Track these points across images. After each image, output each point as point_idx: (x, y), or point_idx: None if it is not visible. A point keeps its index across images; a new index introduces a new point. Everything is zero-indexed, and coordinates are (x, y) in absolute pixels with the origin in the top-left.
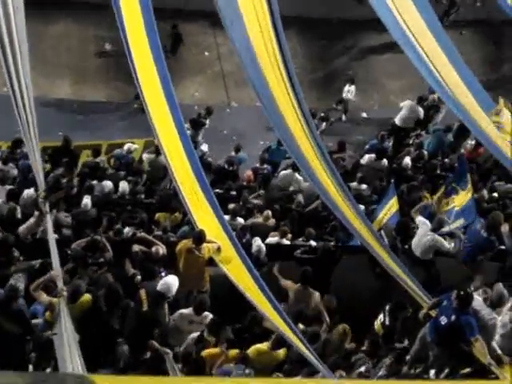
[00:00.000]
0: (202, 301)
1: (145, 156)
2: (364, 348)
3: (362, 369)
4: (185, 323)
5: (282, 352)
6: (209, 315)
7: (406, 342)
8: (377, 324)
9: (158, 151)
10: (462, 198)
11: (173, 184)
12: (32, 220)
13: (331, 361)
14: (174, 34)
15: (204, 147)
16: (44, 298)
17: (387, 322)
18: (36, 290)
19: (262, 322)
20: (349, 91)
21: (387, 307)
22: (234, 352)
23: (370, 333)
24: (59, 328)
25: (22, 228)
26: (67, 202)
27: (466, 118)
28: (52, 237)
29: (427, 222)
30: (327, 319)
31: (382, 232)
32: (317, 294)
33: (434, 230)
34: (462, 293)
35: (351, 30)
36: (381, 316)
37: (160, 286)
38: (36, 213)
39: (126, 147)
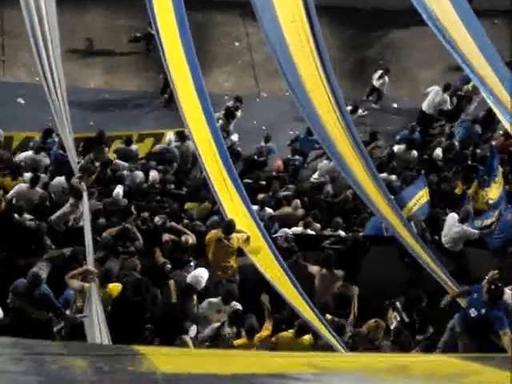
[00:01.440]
0: (231, 290)
1: (172, 145)
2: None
3: None
4: (213, 312)
5: (307, 338)
6: (237, 305)
7: (431, 330)
8: (393, 323)
9: (182, 138)
10: (494, 192)
11: (203, 174)
12: (65, 208)
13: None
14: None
15: (234, 137)
16: (76, 283)
17: (405, 318)
18: (70, 278)
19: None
20: (380, 80)
21: (398, 304)
22: (262, 338)
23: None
24: (90, 312)
25: (54, 216)
26: (99, 192)
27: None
28: (88, 222)
29: (454, 214)
30: (355, 309)
31: (412, 223)
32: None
33: (462, 220)
34: (492, 286)
35: (383, 19)
36: (394, 314)
37: (190, 278)
38: (71, 200)
39: (166, 139)
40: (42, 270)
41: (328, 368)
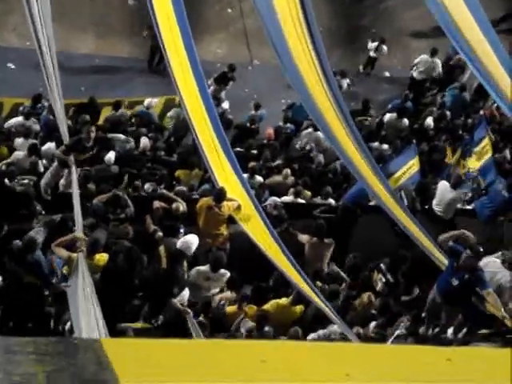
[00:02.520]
0: (219, 258)
1: (171, 112)
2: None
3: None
4: (201, 279)
5: (298, 308)
6: (226, 273)
7: (417, 291)
8: (378, 285)
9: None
10: (474, 162)
11: (194, 141)
12: (49, 173)
13: (349, 317)
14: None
15: (225, 104)
16: (63, 252)
17: (390, 279)
18: (58, 245)
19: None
20: (378, 51)
21: (382, 265)
22: (253, 309)
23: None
24: (75, 281)
25: (42, 182)
26: (90, 158)
27: (487, 81)
28: (76, 191)
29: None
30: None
31: (402, 193)
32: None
33: (454, 186)
34: (473, 251)
35: None
36: (380, 276)
37: (180, 243)
38: (54, 164)
39: (145, 103)
40: (38, 234)
41: None
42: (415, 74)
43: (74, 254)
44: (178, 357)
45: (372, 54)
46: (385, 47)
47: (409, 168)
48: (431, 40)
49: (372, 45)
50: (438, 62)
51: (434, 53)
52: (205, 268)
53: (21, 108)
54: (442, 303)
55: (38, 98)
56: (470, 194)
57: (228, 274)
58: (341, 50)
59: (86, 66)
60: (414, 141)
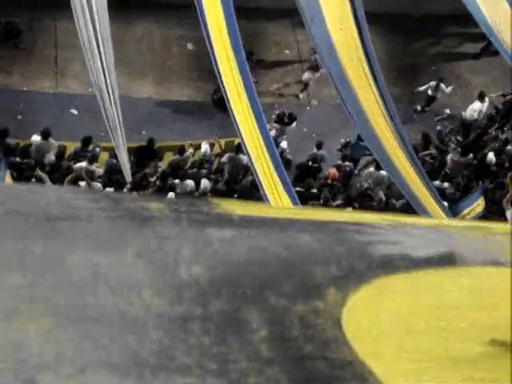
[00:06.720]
0: None
1: (225, 156)
2: None
3: None
4: None
5: None
6: None
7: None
8: None
9: (238, 149)
10: None
11: (252, 179)
12: None
13: None
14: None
15: (283, 144)
16: None
17: None
18: None
19: None
20: (436, 88)
21: None
22: None
23: None
24: None
25: None
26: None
27: None
28: None
29: None
30: None
31: None
32: None
33: None
34: None
35: (434, 24)
36: None
37: None
38: None
39: (203, 148)
40: None
41: (404, 222)
42: (464, 115)
43: None
44: None
45: (430, 92)
46: (443, 86)
47: (475, 207)
48: (490, 76)
49: (431, 84)
50: (478, 105)
51: (481, 96)
52: None
53: (72, 149)
54: None
55: (88, 141)
56: None
57: None
58: (398, 87)
59: (147, 110)
60: (481, 181)
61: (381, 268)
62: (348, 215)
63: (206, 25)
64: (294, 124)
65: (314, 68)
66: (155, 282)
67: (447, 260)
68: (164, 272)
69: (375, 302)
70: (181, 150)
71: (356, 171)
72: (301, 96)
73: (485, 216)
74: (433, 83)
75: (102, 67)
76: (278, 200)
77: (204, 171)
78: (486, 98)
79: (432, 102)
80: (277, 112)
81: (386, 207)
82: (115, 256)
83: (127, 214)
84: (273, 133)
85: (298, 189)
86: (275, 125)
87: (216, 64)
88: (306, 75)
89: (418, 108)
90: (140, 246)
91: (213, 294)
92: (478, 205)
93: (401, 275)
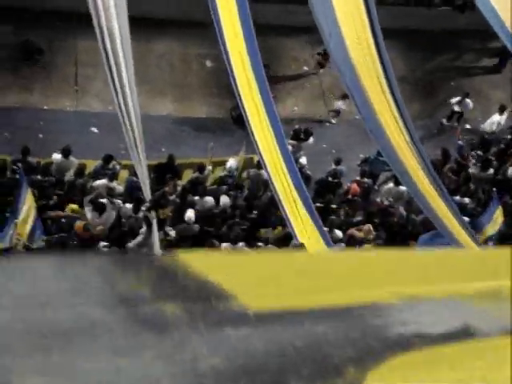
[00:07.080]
0: None
1: (246, 171)
2: None
3: None
4: None
5: None
6: None
7: None
8: None
9: (259, 166)
10: None
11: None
12: (140, 237)
13: None
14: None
15: (303, 160)
16: None
17: None
18: None
19: None
20: (461, 103)
21: None
22: None
23: None
24: None
25: (131, 244)
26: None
27: None
28: (157, 248)
29: None
30: None
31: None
32: None
33: None
34: None
35: (453, 40)
36: None
37: None
38: (143, 229)
39: (228, 165)
40: None
41: (418, 296)
42: (483, 127)
43: None
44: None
45: (456, 108)
46: (468, 101)
47: (495, 219)
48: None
49: (455, 99)
50: (496, 118)
51: (502, 109)
52: None
53: (92, 167)
54: None
55: (109, 159)
56: None
57: None
58: (419, 102)
59: (166, 127)
60: (494, 189)
61: (397, 346)
62: (359, 292)
63: (224, 43)
64: (311, 140)
65: (346, 96)
66: (174, 375)
67: (463, 333)
68: (184, 366)
69: (393, 379)
70: (200, 168)
71: (375, 187)
72: (334, 121)
73: (505, 235)
74: (457, 98)
75: (124, 85)
76: (297, 215)
77: (224, 187)
78: (505, 112)
79: (461, 117)
80: (294, 127)
81: (406, 223)
82: (134, 359)
83: (143, 320)
84: (289, 149)
85: (317, 204)
86: (291, 141)
87: (235, 82)
88: (339, 103)
89: (444, 121)
90: (158, 350)
91: (232, 381)
92: (498, 216)
93: (418, 352)
